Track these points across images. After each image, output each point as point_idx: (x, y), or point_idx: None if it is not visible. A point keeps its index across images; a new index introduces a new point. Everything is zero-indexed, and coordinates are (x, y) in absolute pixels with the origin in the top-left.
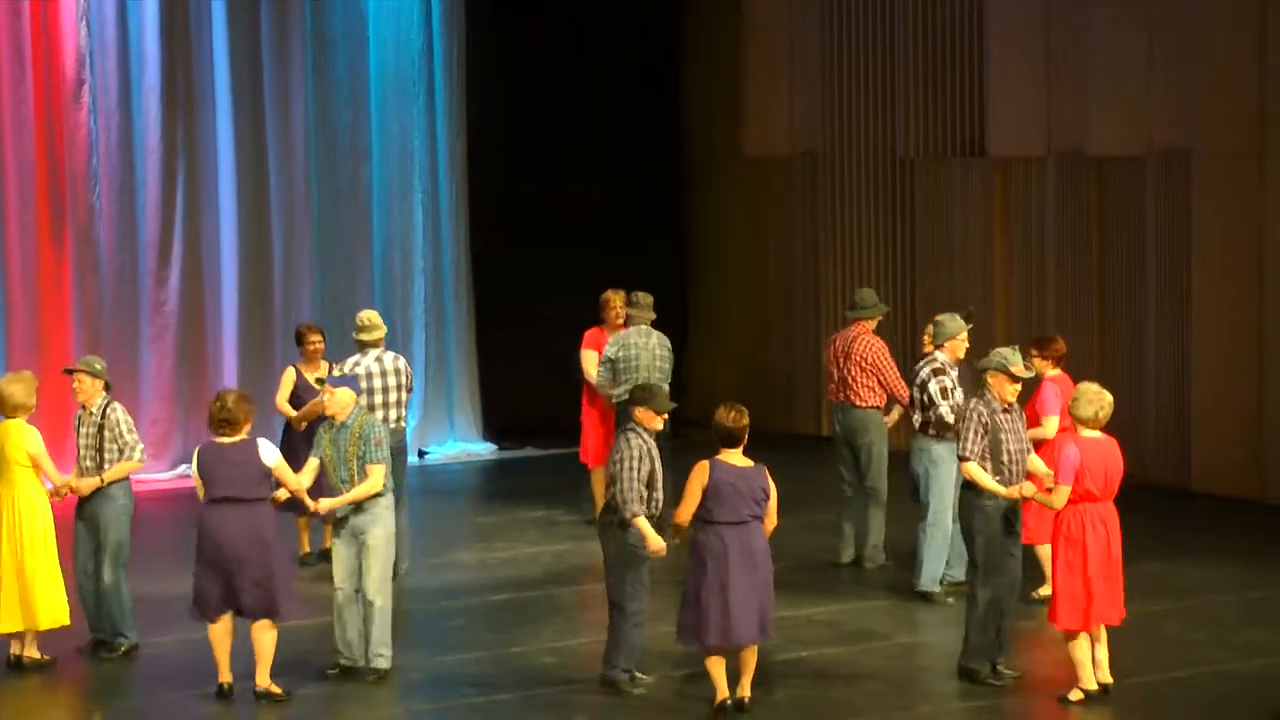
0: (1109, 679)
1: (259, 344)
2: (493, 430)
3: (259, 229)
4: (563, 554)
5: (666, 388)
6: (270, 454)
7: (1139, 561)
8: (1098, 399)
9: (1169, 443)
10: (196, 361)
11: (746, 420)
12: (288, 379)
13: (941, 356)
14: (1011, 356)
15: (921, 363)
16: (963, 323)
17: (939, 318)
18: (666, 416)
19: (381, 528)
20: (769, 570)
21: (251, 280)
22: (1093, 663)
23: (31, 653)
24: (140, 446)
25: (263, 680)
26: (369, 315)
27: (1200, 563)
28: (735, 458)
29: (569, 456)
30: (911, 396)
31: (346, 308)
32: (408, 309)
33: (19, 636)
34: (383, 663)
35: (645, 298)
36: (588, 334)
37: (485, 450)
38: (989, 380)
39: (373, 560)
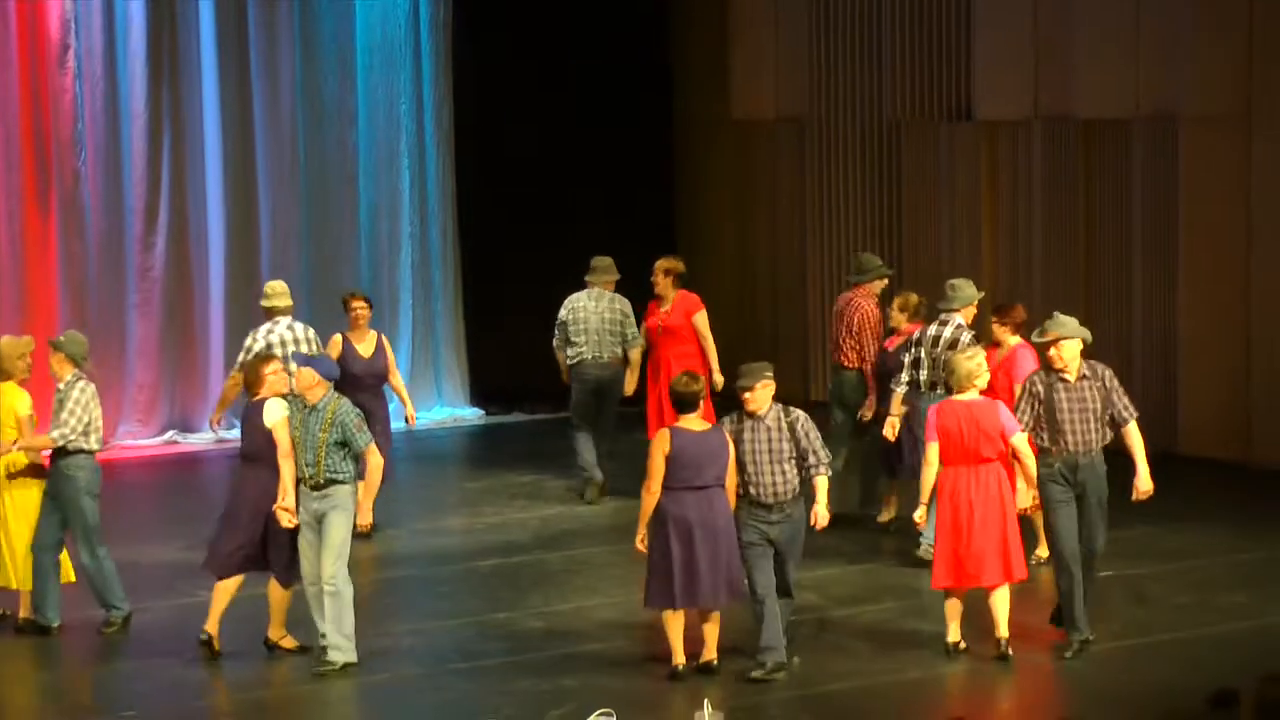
0: (1005, 634)
1: (245, 310)
2: (480, 396)
3: (245, 195)
4: (550, 519)
5: (762, 365)
6: (271, 414)
7: (1125, 525)
8: (952, 364)
9: (1155, 406)
10: (183, 327)
11: (700, 385)
12: (334, 346)
13: (962, 320)
14: (1050, 325)
15: (948, 328)
16: (975, 289)
17: (955, 281)
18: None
19: (339, 513)
20: (733, 533)
21: (238, 246)
22: (992, 621)
23: (26, 613)
24: (71, 426)
25: (276, 633)
26: (275, 284)
27: (1186, 526)
28: (694, 423)
29: (556, 421)
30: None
31: (333, 274)
32: (395, 275)
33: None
34: (339, 655)
35: (602, 261)
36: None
37: (473, 416)
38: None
39: (329, 544)
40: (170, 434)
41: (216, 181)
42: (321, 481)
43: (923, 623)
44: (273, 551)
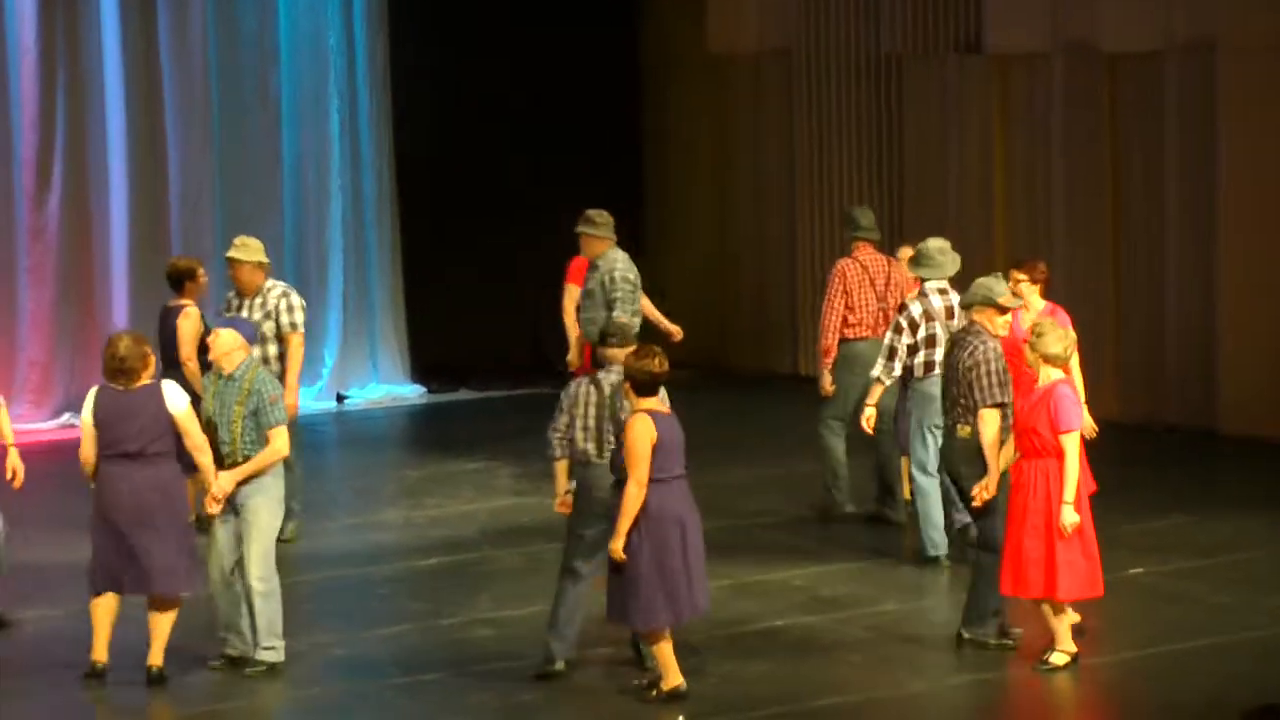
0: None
1: (152, 276)
2: (421, 371)
3: (152, 144)
4: (501, 512)
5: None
6: (177, 400)
7: (1160, 514)
8: (1065, 336)
9: (1193, 377)
10: (81, 295)
11: (667, 365)
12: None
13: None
14: (996, 285)
15: (948, 300)
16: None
17: (941, 245)
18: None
19: (264, 498)
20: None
21: (144, 203)
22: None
23: None
24: None
25: (157, 659)
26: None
27: (1229, 515)
28: (659, 405)
29: (508, 400)
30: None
31: (253, 233)
32: (323, 233)
33: None
34: (271, 655)
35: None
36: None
37: (413, 394)
38: (976, 316)
39: (254, 536)
40: (66, 416)
41: (118, 128)
42: (239, 461)
43: (926, 628)
44: (144, 564)
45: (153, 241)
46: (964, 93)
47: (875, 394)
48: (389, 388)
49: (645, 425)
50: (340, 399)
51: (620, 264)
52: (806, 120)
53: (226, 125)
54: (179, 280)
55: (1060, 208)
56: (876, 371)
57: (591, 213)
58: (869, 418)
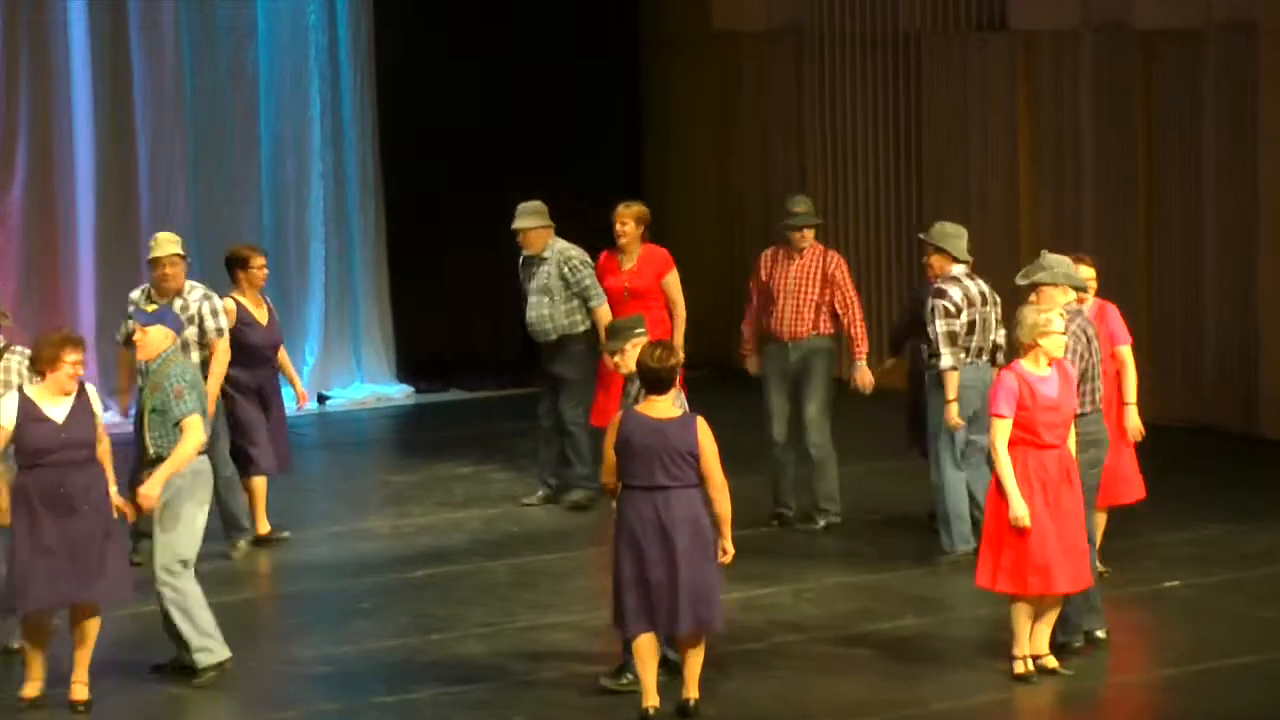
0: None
1: (121, 267)
2: (408, 369)
3: (120, 127)
4: (494, 520)
5: (633, 321)
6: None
7: (1199, 523)
8: None
9: (1232, 376)
10: (45, 288)
11: (675, 360)
12: (228, 314)
13: None
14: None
15: (983, 285)
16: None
17: (947, 228)
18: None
19: (175, 497)
20: (699, 546)
21: (112, 190)
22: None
23: None
24: None
25: (78, 692)
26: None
27: (1271, 524)
28: (657, 407)
29: (501, 401)
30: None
31: (228, 222)
32: (303, 221)
33: None
34: (205, 657)
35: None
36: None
37: (399, 393)
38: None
39: (159, 538)
40: None
41: (85, 109)
42: (152, 458)
43: (947, 644)
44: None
45: (121, 230)
46: (987, 73)
47: (952, 386)
48: (374, 387)
49: (611, 425)
50: (322, 399)
51: (573, 250)
52: (818, 103)
53: (200, 106)
54: (230, 268)
55: (1089, 195)
56: (948, 361)
57: (531, 204)
58: (957, 414)
